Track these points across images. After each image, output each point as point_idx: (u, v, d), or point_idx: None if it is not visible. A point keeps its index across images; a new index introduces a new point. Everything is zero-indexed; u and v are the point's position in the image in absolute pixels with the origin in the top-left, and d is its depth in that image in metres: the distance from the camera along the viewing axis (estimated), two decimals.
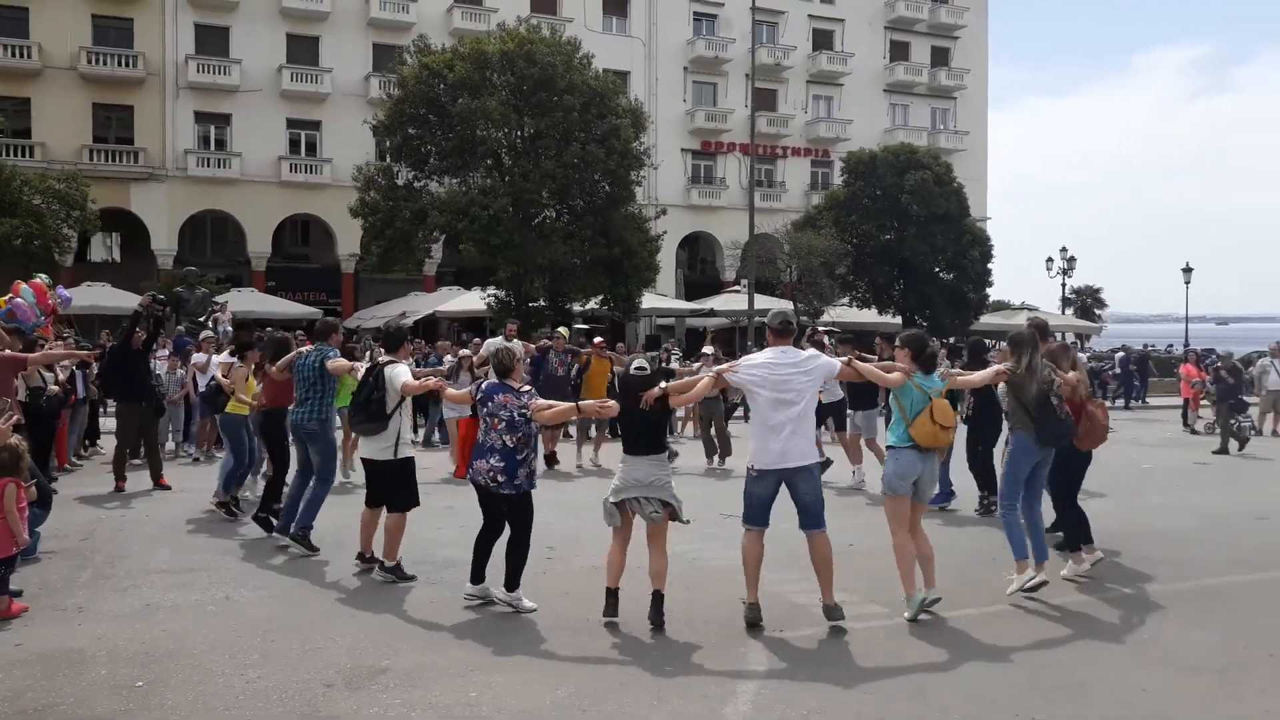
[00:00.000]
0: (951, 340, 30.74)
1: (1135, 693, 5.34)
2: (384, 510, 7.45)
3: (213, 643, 5.94)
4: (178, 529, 9.26)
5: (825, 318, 32.83)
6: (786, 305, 7.27)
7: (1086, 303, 54.25)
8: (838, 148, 43.59)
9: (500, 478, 6.43)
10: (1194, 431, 19.90)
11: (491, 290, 27.86)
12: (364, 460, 7.54)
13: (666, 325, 37.71)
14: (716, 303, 35.74)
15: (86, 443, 14.55)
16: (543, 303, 27.69)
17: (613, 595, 6.32)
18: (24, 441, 7.08)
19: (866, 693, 5.28)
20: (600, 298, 28.45)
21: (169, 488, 11.38)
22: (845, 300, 35.10)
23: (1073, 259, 43.01)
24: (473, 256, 28.95)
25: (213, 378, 11.56)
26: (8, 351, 9.33)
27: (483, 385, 6.72)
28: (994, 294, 38.68)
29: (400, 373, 7.28)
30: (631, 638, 6.10)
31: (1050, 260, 43.17)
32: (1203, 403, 20.74)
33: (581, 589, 6.84)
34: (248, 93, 36.13)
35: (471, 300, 29.74)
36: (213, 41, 36.14)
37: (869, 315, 35.80)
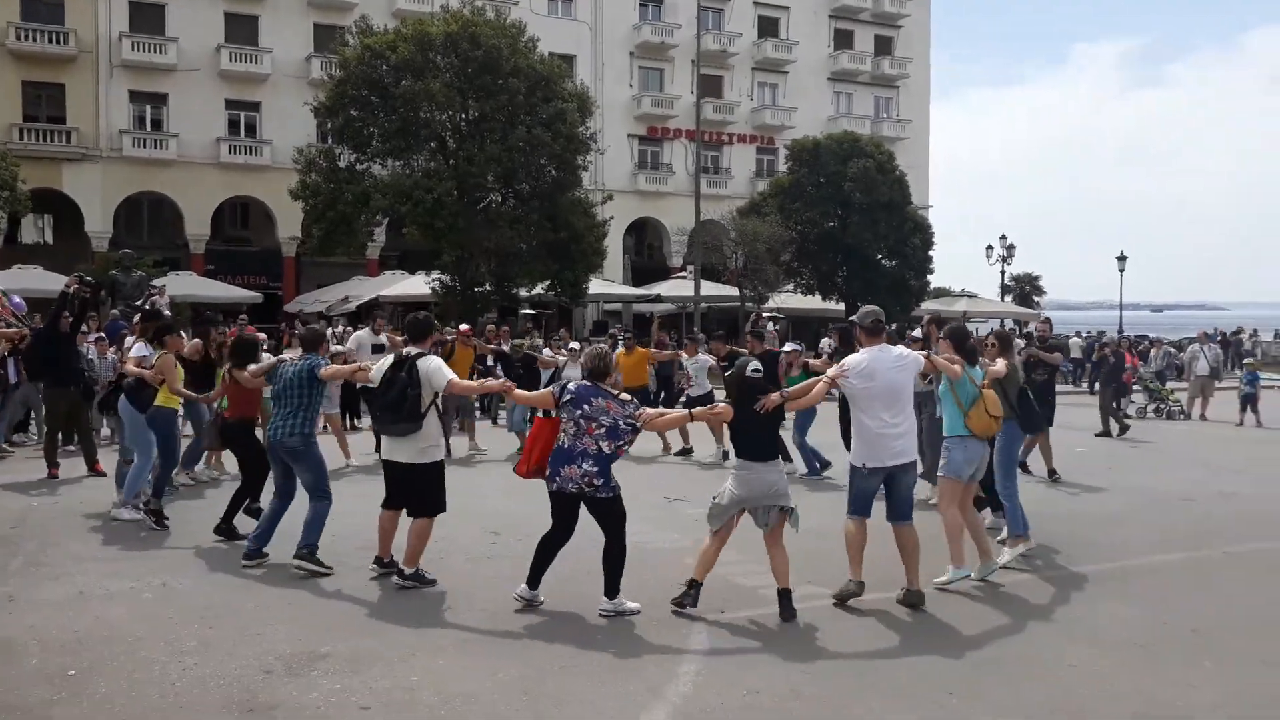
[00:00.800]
0: (894, 326, 31.20)
1: (1064, 668, 5.50)
2: (401, 513, 7.01)
3: (148, 630, 5.86)
4: (110, 516, 9.08)
5: (770, 304, 33.09)
6: (875, 308, 7.17)
7: (1025, 290, 55.32)
8: (783, 135, 43.83)
9: (597, 481, 6.14)
10: (1126, 416, 20.38)
11: (436, 275, 27.63)
12: (388, 463, 6.91)
13: (614, 311, 37.72)
14: (664, 288, 35.83)
15: (18, 430, 14.19)
16: (489, 288, 27.52)
17: (696, 587, 6.30)
18: None
19: (804, 672, 5.37)
20: (547, 283, 28.35)
21: (104, 474, 11.10)
22: (790, 287, 35.36)
23: (1012, 247, 43.75)
24: (416, 240, 28.67)
25: (120, 372, 9.83)
26: None
27: (569, 386, 6.30)
28: (935, 281, 39.21)
29: (438, 368, 6.73)
30: (574, 621, 6.13)
31: (990, 248, 43.85)
32: (1134, 388, 21.28)
33: (524, 573, 6.84)
34: (185, 72, 35.33)
35: (416, 284, 29.47)
36: (148, 19, 35.23)
37: (813, 301, 36.18)
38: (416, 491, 6.79)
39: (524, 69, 26.46)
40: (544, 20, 38.17)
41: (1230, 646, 5.87)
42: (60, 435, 11.83)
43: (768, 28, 45.93)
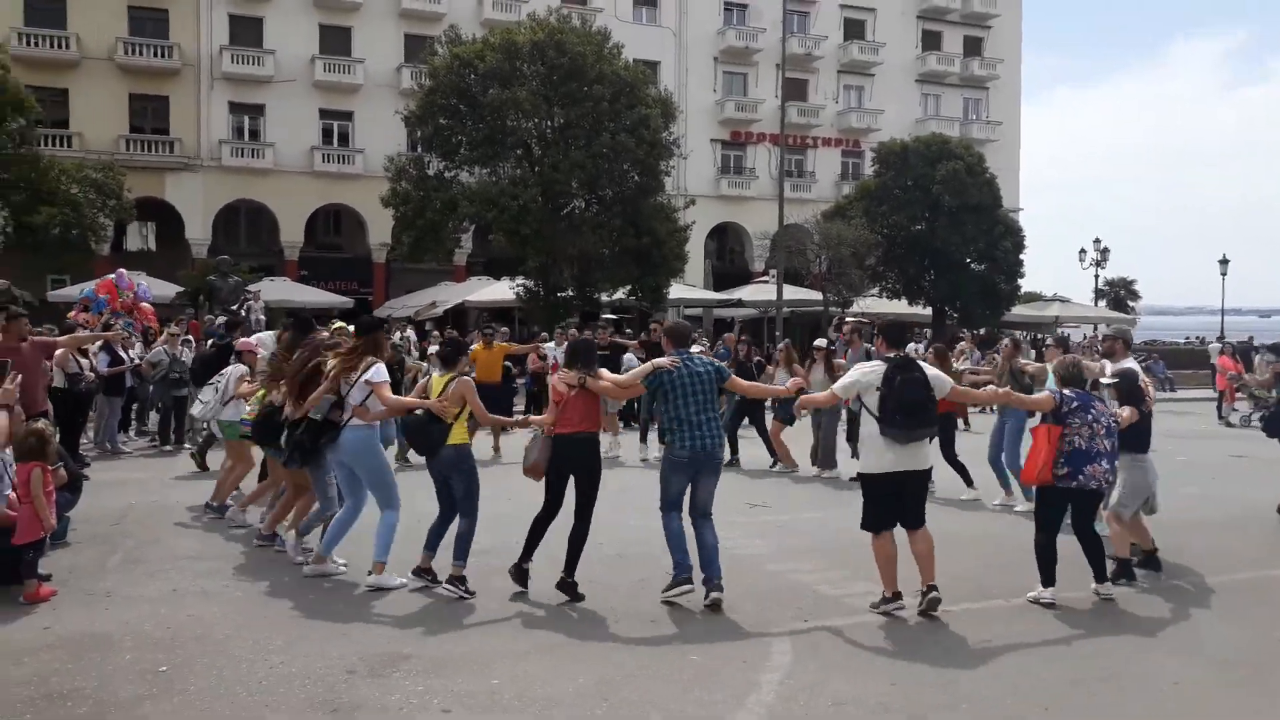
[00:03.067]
0: (981, 331, 30.48)
1: (1168, 685, 5.25)
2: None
3: (237, 628, 5.98)
4: (209, 516, 9.31)
5: (855, 308, 32.61)
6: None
7: (1120, 294, 53.54)
8: (869, 138, 43.21)
9: (1111, 478, 6.70)
10: (1229, 424, 19.59)
11: (520, 280, 27.89)
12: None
13: (694, 315, 37.57)
14: (745, 293, 35.57)
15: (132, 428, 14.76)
16: (571, 293, 27.66)
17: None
18: (50, 426, 7.17)
19: (893, 683, 5.22)
20: (628, 288, 28.38)
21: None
22: (875, 291, 34.81)
23: (1106, 250, 42.42)
24: (502, 246, 28.96)
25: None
26: (41, 337, 9.47)
27: (1067, 393, 6.68)
28: (1026, 285, 38.25)
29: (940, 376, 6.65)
30: (657, 627, 6.07)
31: (1083, 251, 42.60)
32: (1238, 395, 20.43)
33: (606, 577, 6.81)
34: (281, 83, 36.34)
35: (501, 290, 29.79)
36: (247, 32, 36.35)
37: (899, 306, 35.53)
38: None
39: (608, 75, 26.55)
40: (628, 27, 38.29)
41: None
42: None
43: (854, 30, 45.36)
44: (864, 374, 6.41)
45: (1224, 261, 41.68)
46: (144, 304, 17.80)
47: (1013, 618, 6.29)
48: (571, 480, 6.66)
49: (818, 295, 32.78)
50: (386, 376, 6.91)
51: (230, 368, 9.32)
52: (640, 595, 6.46)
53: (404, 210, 27.63)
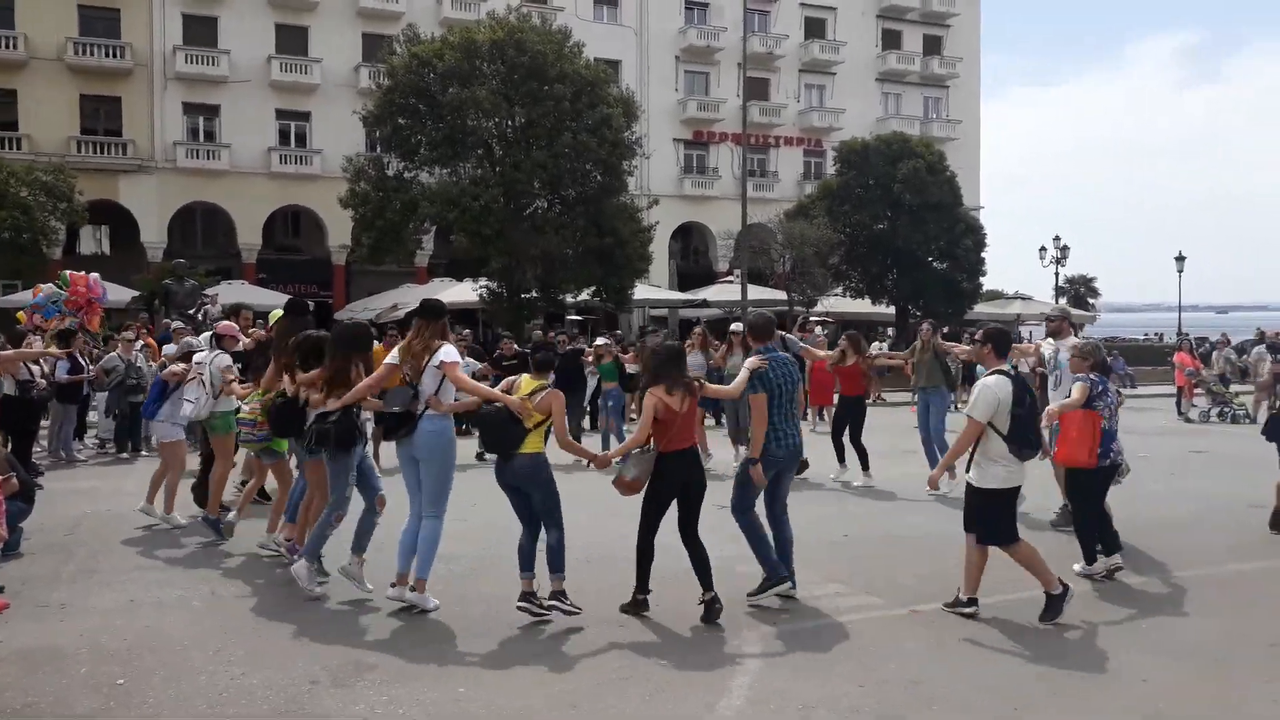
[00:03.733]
0: (946, 329, 30.73)
1: (1136, 682, 5.26)
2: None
3: (197, 639, 5.83)
4: (165, 525, 9.11)
5: (819, 307, 32.75)
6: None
7: (1080, 291, 54.27)
8: (830, 137, 43.44)
9: (1121, 456, 7.60)
10: (1188, 420, 19.86)
11: (484, 281, 27.70)
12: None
13: (659, 316, 37.59)
14: (710, 293, 35.61)
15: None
16: (535, 294, 27.53)
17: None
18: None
19: (861, 685, 5.19)
20: (593, 288, 28.29)
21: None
22: (839, 290, 34.97)
23: (1066, 248, 42.87)
24: (464, 247, 28.74)
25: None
26: None
27: (1094, 378, 7.33)
28: (987, 283, 38.57)
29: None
30: (627, 632, 6.00)
31: (1043, 249, 43.04)
32: (1196, 391, 20.73)
33: (572, 583, 6.71)
34: (237, 83, 35.84)
35: (464, 292, 29.56)
36: (201, 32, 35.80)
37: (863, 305, 35.75)
38: None
39: (570, 74, 26.44)
40: (589, 25, 38.18)
41: None
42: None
43: (815, 29, 45.58)
44: (999, 392, 6.12)
45: (1180, 258, 42.34)
46: (94, 305, 17.32)
47: (983, 616, 6.29)
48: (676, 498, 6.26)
49: (782, 295, 32.87)
50: (458, 357, 6.52)
51: (208, 355, 8.51)
52: (608, 601, 6.38)
53: (363, 211, 27.35)
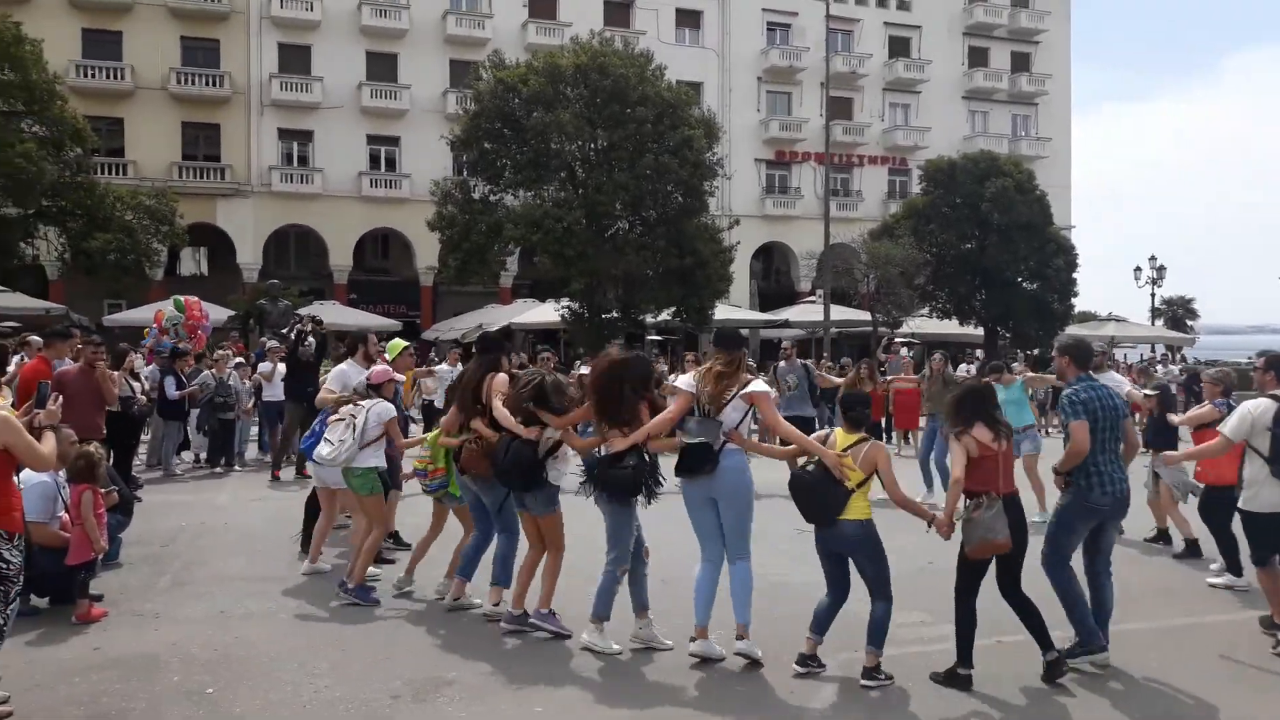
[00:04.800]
0: (1035, 351, 30.00)
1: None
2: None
3: (283, 651, 5.97)
4: (257, 538, 9.36)
5: (904, 329, 32.29)
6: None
7: (1178, 313, 52.49)
8: (915, 155, 42.89)
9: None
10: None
11: (566, 302, 27.97)
12: None
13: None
14: (791, 313, 35.39)
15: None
16: (615, 314, 27.70)
17: None
18: (100, 449, 7.24)
19: (945, 716, 5.06)
20: (673, 309, 28.35)
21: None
22: (925, 311, 34.39)
23: (1162, 268, 41.61)
24: (547, 268, 29.10)
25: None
26: (100, 359, 9.63)
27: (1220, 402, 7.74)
28: (1080, 304, 37.64)
29: None
30: (709, 660, 5.93)
31: (1138, 269, 41.84)
32: None
33: (652, 605, 6.70)
34: (329, 109, 36.92)
35: (546, 312, 29.92)
36: (295, 60, 37.02)
37: (950, 326, 35.11)
38: None
39: (651, 97, 26.64)
40: (671, 48, 38.44)
41: None
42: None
43: (899, 47, 45.14)
44: (1255, 413, 6.07)
45: None
46: (201, 333, 18.16)
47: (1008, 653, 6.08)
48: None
49: (866, 315, 32.50)
50: (768, 388, 6.06)
51: (371, 404, 7.23)
52: (686, 625, 6.33)
53: (450, 233, 27.89)
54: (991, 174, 32.91)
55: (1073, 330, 36.41)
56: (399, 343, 9.36)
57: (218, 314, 27.31)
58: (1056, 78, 47.25)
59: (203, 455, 14.62)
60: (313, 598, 7.20)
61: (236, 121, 36.37)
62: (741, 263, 35.71)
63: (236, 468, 14.18)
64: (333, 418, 7.33)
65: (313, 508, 8.36)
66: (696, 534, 5.93)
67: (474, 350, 7.24)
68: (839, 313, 31.94)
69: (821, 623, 5.68)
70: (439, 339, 31.36)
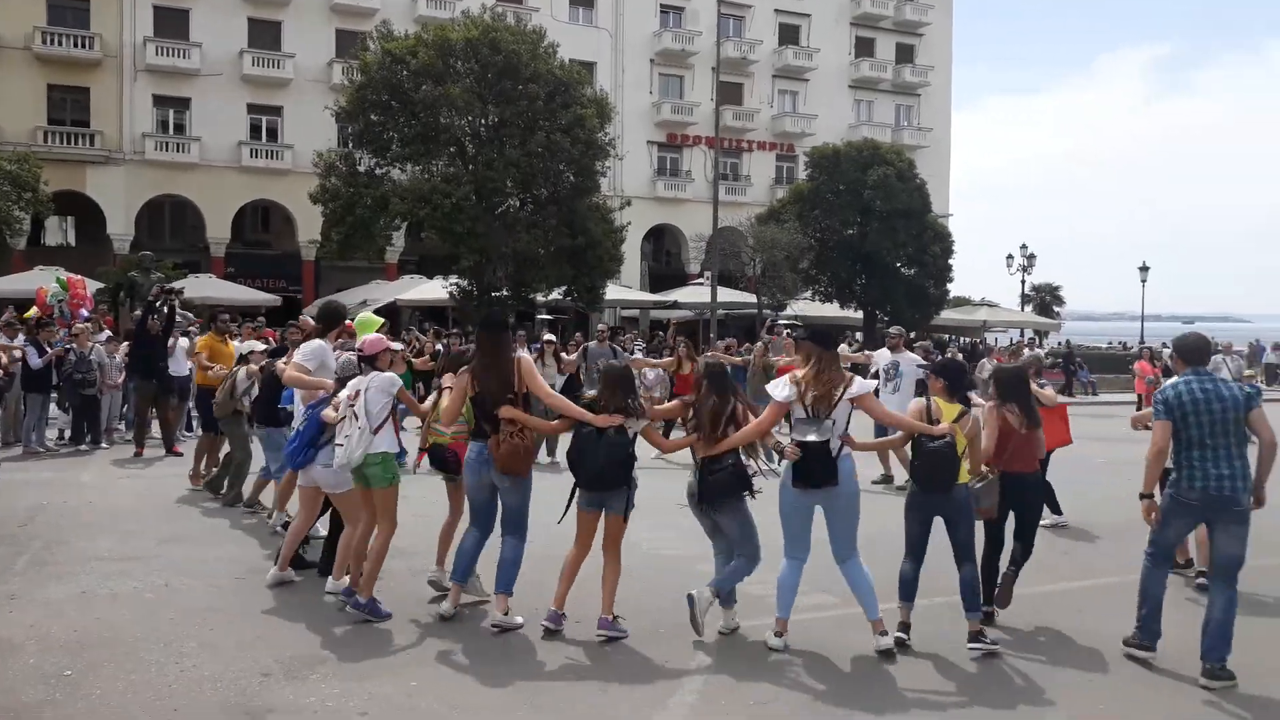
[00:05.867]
0: (913, 334, 30.93)
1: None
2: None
3: (148, 631, 5.80)
4: (124, 517, 9.03)
5: (788, 311, 32.92)
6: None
7: (1045, 300, 54.83)
8: (803, 142, 43.65)
9: None
10: (1147, 427, 20.13)
11: (454, 279, 27.63)
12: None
13: (630, 317, 37.65)
14: (681, 295, 35.70)
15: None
16: (505, 292, 27.49)
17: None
18: None
19: (820, 681, 5.24)
20: (564, 288, 28.30)
21: (180, 454, 12.31)
22: (808, 294, 35.18)
23: (1032, 256, 43.50)
24: (435, 245, 28.70)
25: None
26: None
27: None
28: (954, 290, 38.95)
29: None
30: (582, 629, 5.99)
31: (1010, 257, 43.64)
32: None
33: (534, 576, 6.73)
34: (208, 77, 35.54)
35: (434, 289, 29.49)
36: (172, 24, 35.48)
37: (831, 309, 35.96)
38: None
39: (544, 75, 26.45)
40: (564, 27, 38.18)
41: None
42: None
43: (789, 35, 45.80)
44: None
45: (1144, 269, 42.91)
46: (85, 312, 17.44)
47: (932, 615, 6.35)
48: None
49: (752, 298, 33.03)
50: (871, 385, 5.99)
51: (362, 379, 6.25)
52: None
53: (334, 207, 27.21)
54: (874, 162, 33.76)
55: (947, 314, 37.75)
56: (372, 318, 8.32)
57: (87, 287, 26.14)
58: (939, 70, 48.66)
59: (67, 433, 14.00)
60: (183, 576, 7.01)
61: (108, 86, 34.69)
62: (633, 244, 35.83)
63: (104, 445, 13.62)
64: (332, 414, 6.31)
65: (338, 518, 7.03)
66: (787, 534, 5.83)
67: (481, 329, 6.34)
68: (726, 295, 32.35)
69: (910, 589, 5.91)
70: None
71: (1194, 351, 5.70)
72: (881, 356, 11.78)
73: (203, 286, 28.31)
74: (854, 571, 5.79)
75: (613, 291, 31.11)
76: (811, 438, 5.58)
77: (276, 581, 6.75)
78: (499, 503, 6.12)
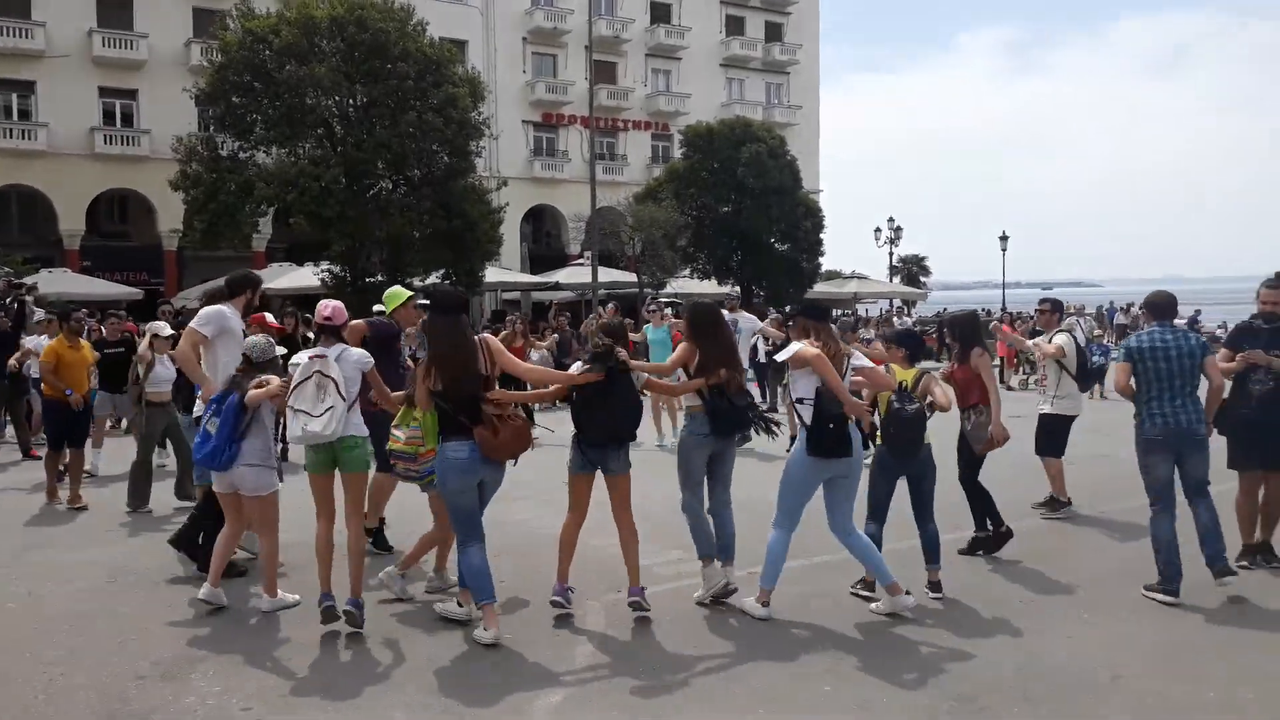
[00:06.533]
0: (787, 308, 31.63)
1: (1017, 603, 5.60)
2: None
3: (12, 642, 5.55)
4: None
5: (668, 289, 33.23)
6: None
7: (912, 270, 56.67)
8: (677, 121, 43.95)
9: None
10: (1009, 388, 21.11)
11: (325, 265, 26.92)
12: None
13: (512, 299, 37.40)
14: (562, 275, 35.61)
15: None
16: (381, 278, 26.90)
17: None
18: None
19: (696, 647, 5.36)
20: (442, 271, 27.88)
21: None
22: (687, 272, 35.57)
23: (899, 229, 44.89)
24: (305, 230, 27.86)
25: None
26: None
27: None
28: (826, 263, 39.95)
29: None
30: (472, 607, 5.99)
31: (878, 230, 44.95)
32: (1016, 361, 22.12)
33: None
34: (54, 59, 33.62)
35: (304, 276, 28.67)
36: (13, 2, 33.42)
37: (709, 286, 36.42)
38: None
39: (413, 53, 25.87)
40: (434, 5, 37.32)
41: (1107, 597, 6.09)
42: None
43: (660, 14, 45.95)
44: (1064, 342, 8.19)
45: (1004, 238, 44.72)
46: None
47: (807, 576, 6.56)
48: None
49: (632, 276, 33.20)
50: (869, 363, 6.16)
51: (332, 351, 5.70)
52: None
53: (195, 194, 26.15)
54: (746, 140, 34.30)
55: (820, 287, 38.68)
56: (400, 290, 7.30)
57: None
58: (806, 48, 49.58)
59: None
60: (47, 582, 6.71)
61: None
62: (511, 225, 35.54)
63: None
64: (295, 379, 5.62)
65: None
66: (790, 505, 5.89)
67: (432, 312, 5.73)
68: (607, 274, 32.44)
69: (874, 555, 6.00)
70: (185, 307, 29.44)
71: (1160, 307, 6.52)
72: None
73: (57, 282, 26.88)
74: (860, 541, 5.95)
75: (493, 274, 30.81)
76: (912, 409, 6.04)
77: (210, 599, 6.00)
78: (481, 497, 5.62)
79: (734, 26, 48.11)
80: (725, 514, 6.24)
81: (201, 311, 6.68)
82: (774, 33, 49.24)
